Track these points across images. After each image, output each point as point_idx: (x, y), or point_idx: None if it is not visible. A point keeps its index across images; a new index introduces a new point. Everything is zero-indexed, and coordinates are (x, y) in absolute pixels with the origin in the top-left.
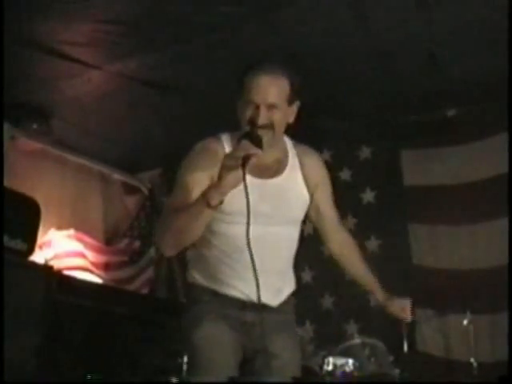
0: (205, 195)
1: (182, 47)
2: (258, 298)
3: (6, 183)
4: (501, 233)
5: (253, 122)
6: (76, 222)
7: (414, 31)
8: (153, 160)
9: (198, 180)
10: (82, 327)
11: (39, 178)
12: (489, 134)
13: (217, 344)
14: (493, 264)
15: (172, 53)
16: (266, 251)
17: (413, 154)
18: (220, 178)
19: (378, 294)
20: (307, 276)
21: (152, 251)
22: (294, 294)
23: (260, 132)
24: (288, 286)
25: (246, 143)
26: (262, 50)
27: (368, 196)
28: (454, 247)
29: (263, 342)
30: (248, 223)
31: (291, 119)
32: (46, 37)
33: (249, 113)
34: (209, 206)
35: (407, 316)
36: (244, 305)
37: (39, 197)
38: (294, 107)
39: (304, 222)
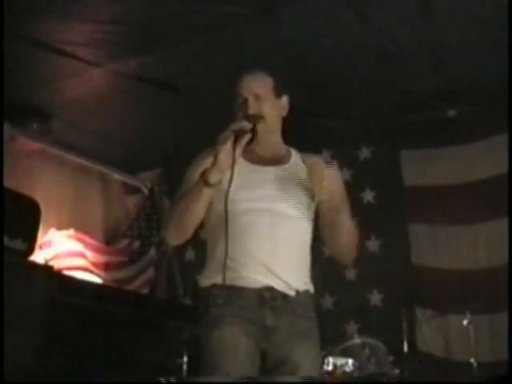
0: (202, 175)
1: (181, 47)
2: None
3: (6, 183)
4: (501, 233)
5: (245, 114)
6: (76, 222)
7: (414, 31)
8: (153, 160)
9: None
10: (82, 327)
11: (39, 178)
12: (489, 134)
13: (232, 348)
14: (493, 264)
15: (172, 53)
16: (271, 232)
17: (413, 153)
18: (216, 155)
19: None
20: None
21: (152, 251)
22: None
23: (252, 121)
24: (303, 279)
25: (239, 121)
26: (262, 50)
27: (368, 196)
28: (454, 247)
29: (284, 348)
30: (227, 195)
31: (284, 112)
32: (46, 36)
33: (241, 109)
34: (207, 184)
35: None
36: (262, 299)
37: (39, 197)
38: (284, 101)
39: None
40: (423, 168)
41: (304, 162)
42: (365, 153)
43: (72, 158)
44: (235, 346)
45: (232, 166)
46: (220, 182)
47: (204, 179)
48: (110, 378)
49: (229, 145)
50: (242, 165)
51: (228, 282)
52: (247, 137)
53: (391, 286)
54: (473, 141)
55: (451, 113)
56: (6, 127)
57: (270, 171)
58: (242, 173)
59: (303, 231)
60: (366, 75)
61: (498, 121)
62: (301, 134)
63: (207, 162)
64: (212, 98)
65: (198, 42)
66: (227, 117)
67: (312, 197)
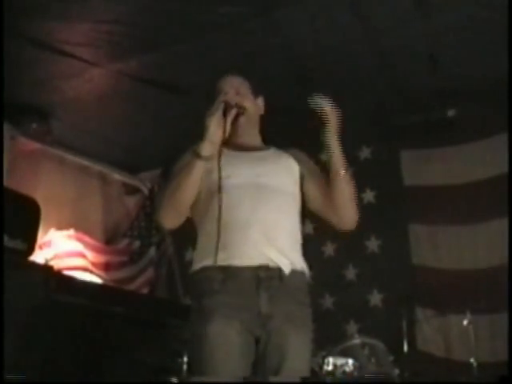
0: (194, 149)
1: (181, 47)
2: None
3: (6, 183)
4: (501, 233)
5: (226, 102)
6: (76, 222)
7: (413, 31)
8: (153, 160)
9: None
10: (81, 327)
11: (39, 178)
12: (489, 134)
13: (225, 346)
14: (493, 264)
15: (172, 53)
16: (262, 203)
17: (413, 154)
18: (206, 127)
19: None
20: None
21: (152, 251)
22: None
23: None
24: (297, 255)
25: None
26: (262, 49)
27: (368, 196)
28: (454, 247)
29: (278, 337)
30: (219, 166)
31: (261, 111)
32: (46, 36)
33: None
34: (199, 156)
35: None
36: (258, 279)
37: (39, 197)
38: (260, 101)
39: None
40: (423, 168)
41: (286, 152)
42: (365, 153)
43: (72, 158)
44: (229, 344)
45: (224, 134)
46: (212, 156)
47: (196, 153)
48: (110, 378)
49: (219, 114)
50: (224, 152)
51: (221, 263)
52: (234, 111)
53: (391, 285)
54: (473, 141)
55: (451, 113)
56: (6, 127)
57: (253, 155)
58: (225, 158)
59: (292, 204)
60: (365, 75)
61: (498, 121)
62: (301, 134)
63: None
64: (212, 98)
65: (198, 41)
66: None
67: (296, 168)
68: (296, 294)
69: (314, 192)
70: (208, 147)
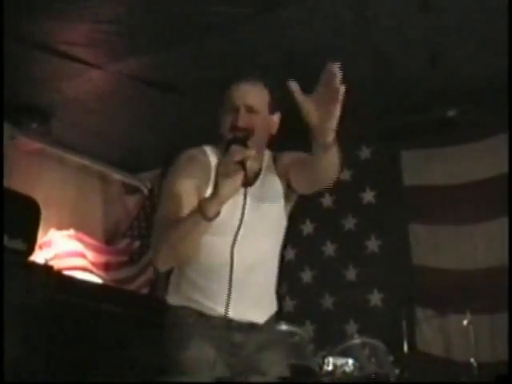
0: (201, 207)
1: (182, 47)
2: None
3: (6, 183)
4: (501, 233)
5: (234, 126)
6: (76, 222)
7: (414, 31)
8: (153, 160)
9: (187, 190)
10: (81, 327)
11: (39, 178)
12: (489, 134)
13: (204, 364)
14: (493, 264)
15: (172, 53)
16: (251, 263)
17: (413, 154)
18: (216, 187)
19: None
20: (307, 276)
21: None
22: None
23: (241, 134)
24: (272, 304)
25: (236, 148)
26: (262, 50)
27: (368, 196)
28: (454, 247)
29: (252, 360)
30: (237, 233)
31: (273, 130)
32: (46, 37)
33: (229, 117)
34: (206, 217)
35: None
36: (230, 325)
37: (39, 197)
38: (276, 118)
39: (290, 219)
40: (423, 168)
41: (274, 159)
42: (365, 153)
43: (72, 157)
44: (207, 356)
45: (244, 200)
46: (219, 214)
47: (202, 212)
48: (110, 378)
49: (237, 181)
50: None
51: (196, 307)
52: (252, 161)
53: (391, 286)
54: (473, 141)
55: (451, 113)
56: (6, 127)
57: (248, 194)
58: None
59: (273, 256)
60: (366, 75)
61: (498, 121)
62: (301, 134)
63: (192, 179)
64: (212, 98)
65: (198, 42)
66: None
67: (281, 203)
68: (265, 327)
69: (298, 176)
70: (216, 208)
